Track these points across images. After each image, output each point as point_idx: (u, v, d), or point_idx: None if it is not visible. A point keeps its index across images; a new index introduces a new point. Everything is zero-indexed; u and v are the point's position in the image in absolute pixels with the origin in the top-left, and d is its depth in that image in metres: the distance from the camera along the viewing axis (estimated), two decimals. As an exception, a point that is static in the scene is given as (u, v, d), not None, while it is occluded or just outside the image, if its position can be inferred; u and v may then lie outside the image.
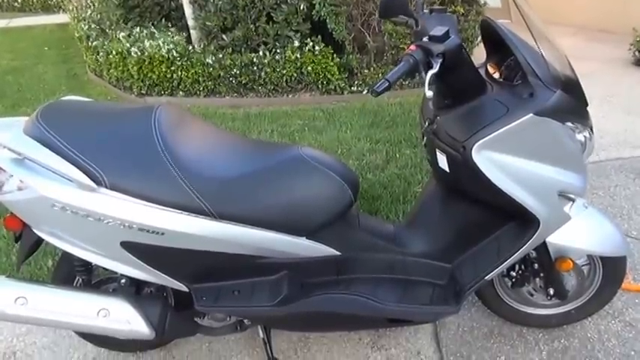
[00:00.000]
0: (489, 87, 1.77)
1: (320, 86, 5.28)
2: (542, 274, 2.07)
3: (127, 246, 1.65)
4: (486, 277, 1.88)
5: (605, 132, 4.17)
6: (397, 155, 3.87)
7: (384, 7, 1.90)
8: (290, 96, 5.34)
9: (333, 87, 5.26)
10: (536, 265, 2.06)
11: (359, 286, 1.87)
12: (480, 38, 5.22)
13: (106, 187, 1.57)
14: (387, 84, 1.45)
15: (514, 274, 2.11)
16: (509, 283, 2.15)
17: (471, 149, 1.66)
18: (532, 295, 2.17)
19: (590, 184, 3.37)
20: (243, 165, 1.74)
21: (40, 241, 1.78)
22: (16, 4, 11.91)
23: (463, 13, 5.07)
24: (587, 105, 1.76)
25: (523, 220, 1.81)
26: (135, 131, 1.67)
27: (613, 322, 2.31)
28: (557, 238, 1.91)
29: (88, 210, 1.56)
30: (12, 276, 1.89)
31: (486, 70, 1.89)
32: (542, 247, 1.96)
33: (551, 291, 2.07)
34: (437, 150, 1.84)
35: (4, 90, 6.02)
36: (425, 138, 1.94)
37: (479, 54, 1.78)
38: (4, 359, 2.24)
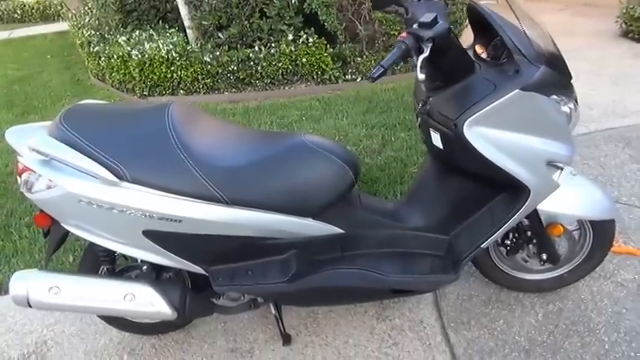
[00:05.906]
0: (478, 67, 1.85)
1: (315, 77, 5.38)
2: (534, 241, 2.17)
3: (149, 234, 1.77)
4: (482, 246, 1.98)
5: (594, 104, 4.24)
6: (392, 139, 3.97)
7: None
8: (287, 88, 5.44)
9: (327, 77, 5.35)
10: (529, 233, 2.16)
11: (363, 260, 1.97)
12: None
13: (128, 181, 1.69)
14: (382, 70, 1.56)
15: (508, 242, 2.21)
16: (505, 252, 2.25)
17: (463, 126, 1.76)
18: (526, 261, 2.27)
19: (581, 155, 3.46)
20: (251, 154, 1.84)
21: (66, 235, 1.91)
22: (16, 15, 12.09)
23: (450, -2, 5.17)
24: (571, 78, 1.84)
25: (514, 190, 1.90)
26: (150, 128, 1.78)
27: (605, 283, 2.39)
28: (548, 205, 1.98)
29: (112, 203, 1.69)
30: (42, 269, 2.01)
31: (474, 51, 1.98)
32: (534, 215, 2.06)
33: (544, 256, 2.17)
34: (431, 129, 1.94)
35: (12, 99, 6.10)
36: (419, 119, 2.03)
37: (467, 36, 1.88)
38: (37, 348, 2.35)
